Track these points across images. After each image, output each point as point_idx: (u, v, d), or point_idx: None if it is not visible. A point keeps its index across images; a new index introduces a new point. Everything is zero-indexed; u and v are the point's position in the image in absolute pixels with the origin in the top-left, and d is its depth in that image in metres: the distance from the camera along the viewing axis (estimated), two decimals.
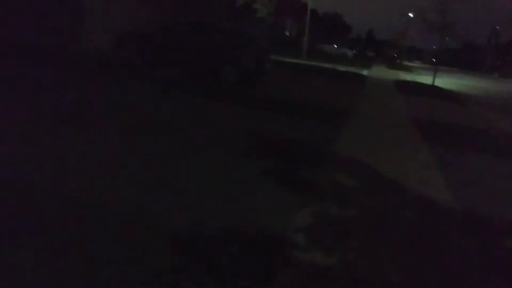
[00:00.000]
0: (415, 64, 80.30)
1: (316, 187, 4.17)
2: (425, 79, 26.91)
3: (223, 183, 3.93)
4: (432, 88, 18.41)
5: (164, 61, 11.21)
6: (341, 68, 25.77)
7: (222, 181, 3.99)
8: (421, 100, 13.79)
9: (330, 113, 8.79)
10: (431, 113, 10.96)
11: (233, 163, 4.57)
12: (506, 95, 23.28)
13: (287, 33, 47.19)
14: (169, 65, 11.18)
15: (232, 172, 4.28)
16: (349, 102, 10.76)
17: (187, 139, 5.32)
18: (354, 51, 53.83)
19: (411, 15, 50.23)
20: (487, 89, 25.81)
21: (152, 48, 11.28)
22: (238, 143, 5.42)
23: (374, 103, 11.60)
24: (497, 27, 45.12)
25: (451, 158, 6.38)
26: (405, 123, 8.88)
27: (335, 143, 6.20)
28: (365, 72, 25.35)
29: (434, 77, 19.65)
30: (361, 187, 4.43)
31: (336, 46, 49.90)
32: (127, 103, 7.10)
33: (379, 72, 28.80)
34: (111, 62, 11.29)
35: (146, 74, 10.48)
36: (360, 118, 8.74)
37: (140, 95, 7.93)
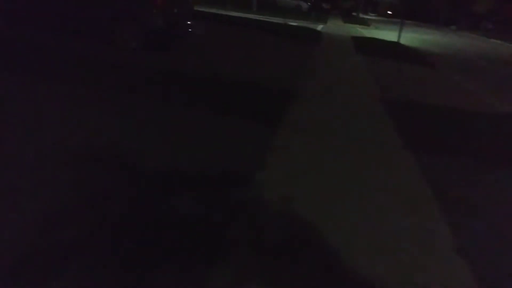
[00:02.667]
0: (371, 17, 77.93)
1: None
2: (385, 34, 24.37)
3: None
4: (396, 46, 15.84)
5: (30, 15, 7.73)
6: (294, 22, 22.68)
7: None
8: (386, 64, 11.19)
9: (269, 98, 5.94)
10: (404, 87, 8.38)
11: None
12: (473, 52, 21.33)
13: None
14: (36, 21, 7.74)
15: None
16: (297, 74, 7.92)
17: None
18: (309, 3, 50.26)
19: None
20: (451, 44, 23.79)
21: None
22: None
23: (330, 75, 8.80)
24: None
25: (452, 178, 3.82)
26: (373, 110, 6.23)
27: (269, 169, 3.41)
28: (319, 27, 22.40)
29: (400, 33, 17.01)
30: None
31: None
32: None
33: (335, 27, 25.94)
34: None
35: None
36: (311, 105, 5.98)
37: None
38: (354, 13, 53.93)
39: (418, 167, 4.01)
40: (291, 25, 20.33)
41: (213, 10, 22.20)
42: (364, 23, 33.68)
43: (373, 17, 77.46)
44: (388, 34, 24.89)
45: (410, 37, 21.71)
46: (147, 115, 4.43)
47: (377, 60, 11.49)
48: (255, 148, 3.94)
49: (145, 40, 7.76)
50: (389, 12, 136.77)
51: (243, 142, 4.06)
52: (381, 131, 5.12)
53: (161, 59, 7.49)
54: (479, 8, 47.75)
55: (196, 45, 9.47)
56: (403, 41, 19.29)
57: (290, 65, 8.86)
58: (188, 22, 8.84)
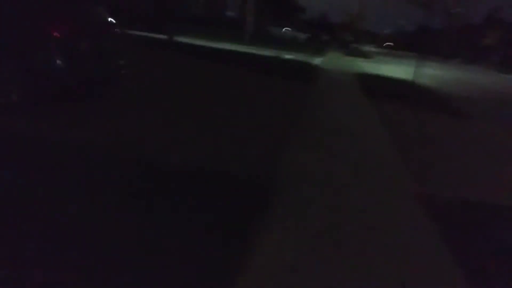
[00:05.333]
0: (370, 48, 76.57)
1: None
2: (392, 70, 21.73)
3: None
4: (410, 87, 12.89)
5: None
6: (290, 55, 20.03)
7: None
8: (410, 118, 8.21)
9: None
10: (447, 164, 5.31)
11: None
12: (499, 93, 18.56)
13: (230, 13, 40.69)
14: None
15: None
16: (282, 148, 4.86)
17: None
18: (308, 35, 48.34)
19: None
20: (468, 82, 21.08)
21: None
22: None
23: (331, 145, 5.74)
24: (455, 10, 41.13)
25: None
26: (410, 228, 3.11)
27: None
28: (318, 62, 19.71)
29: (416, 70, 14.16)
30: None
31: (288, 29, 44.21)
32: None
33: (335, 60, 23.35)
34: None
35: None
36: (302, 225, 2.87)
37: None
38: (354, 45, 51.96)
39: None
40: (286, 59, 17.61)
41: (200, 42, 19.64)
42: (366, 55, 31.24)
43: (373, 49, 76.07)
44: (395, 70, 22.27)
45: (419, 73, 18.95)
46: None
47: (395, 111, 8.54)
48: None
49: (35, 90, 4.79)
50: (389, 44, 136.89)
51: None
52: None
53: (48, 125, 4.44)
54: (485, 41, 45.76)
55: (129, 96, 6.42)
56: (410, 76, 16.59)
57: (270, 128, 5.85)
58: (119, 60, 5.88)
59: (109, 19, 5.80)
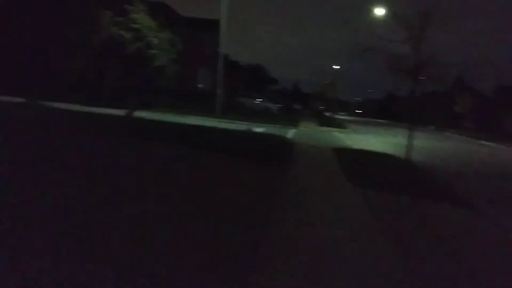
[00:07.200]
0: (342, 116, 77.95)
1: None
2: (370, 141, 20.65)
3: None
4: (404, 165, 11.16)
5: None
6: (261, 128, 18.67)
7: None
8: (410, 215, 6.46)
9: None
10: None
11: None
12: (483, 163, 17.49)
13: (200, 86, 40.16)
14: None
15: None
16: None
17: None
18: (280, 105, 48.28)
19: (337, 67, 46.85)
20: (453, 153, 20.09)
21: None
22: None
23: (307, 273, 3.83)
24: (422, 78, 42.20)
25: None
26: None
27: None
28: (291, 134, 18.38)
29: (408, 149, 11.84)
30: None
31: (259, 100, 43.97)
32: None
33: (309, 132, 22.17)
34: None
35: None
36: None
37: None
38: (327, 113, 52.23)
39: None
40: (256, 132, 16.12)
41: (167, 117, 18.17)
42: (341, 125, 30.51)
43: (345, 117, 77.45)
44: (373, 141, 21.23)
45: (401, 144, 17.82)
46: None
47: (388, 203, 6.78)
48: None
49: None
50: (358, 111, 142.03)
51: None
52: None
53: None
54: (457, 108, 46.68)
55: None
56: (390, 147, 15.27)
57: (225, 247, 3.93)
58: None
59: None
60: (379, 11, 13.67)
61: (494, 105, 46.74)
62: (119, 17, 25.03)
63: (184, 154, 8.70)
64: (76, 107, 16.85)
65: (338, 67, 46.00)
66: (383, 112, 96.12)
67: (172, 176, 6.54)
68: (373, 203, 6.42)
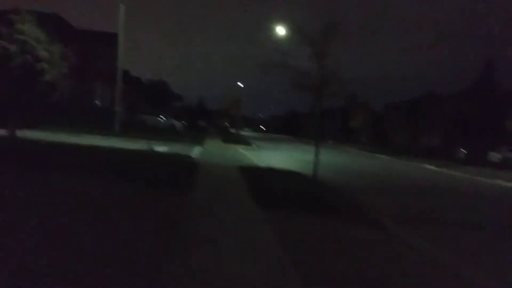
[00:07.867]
0: (247, 132, 79.23)
1: None
2: (275, 158, 20.76)
3: None
4: (312, 183, 10.83)
5: None
6: (163, 147, 17.46)
7: None
8: (318, 235, 6.10)
9: None
10: None
11: None
12: (387, 175, 18.51)
13: (98, 103, 37.18)
14: None
15: None
16: None
17: None
18: (184, 122, 47.01)
19: (241, 85, 47.53)
20: (356, 168, 21.06)
21: None
22: None
23: None
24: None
25: None
26: None
27: None
28: (195, 152, 17.49)
29: (316, 165, 11.38)
30: None
31: (162, 117, 42.23)
32: None
33: (214, 149, 21.52)
34: None
35: None
36: None
37: None
38: (232, 130, 52.36)
39: None
40: (157, 152, 14.93)
41: (57, 137, 15.96)
42: (245, 142, 30.49)
43: (250, 133, 78.80)
44: (278, 157, 21.40)
45: (305, 160, 18.10)
46: None
47: (295, 225, 6.37)
48: None
49: None
50: (262, 128, 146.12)
51: None
52: None
53: None
54: (352, 123, 50.33)
55: None
56: (299, 165, 15.36)
57: None
58: None
59: None
60: (281, 30, 13.68)
61: (384, 121, 51.65)
62: (1, 28, 21.93)
63: (66, 181, 7.33)
64: None
65: (242, 85, 46.65)
66: (286, 127, 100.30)
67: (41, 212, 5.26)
68: (282, 231, 5.91)
